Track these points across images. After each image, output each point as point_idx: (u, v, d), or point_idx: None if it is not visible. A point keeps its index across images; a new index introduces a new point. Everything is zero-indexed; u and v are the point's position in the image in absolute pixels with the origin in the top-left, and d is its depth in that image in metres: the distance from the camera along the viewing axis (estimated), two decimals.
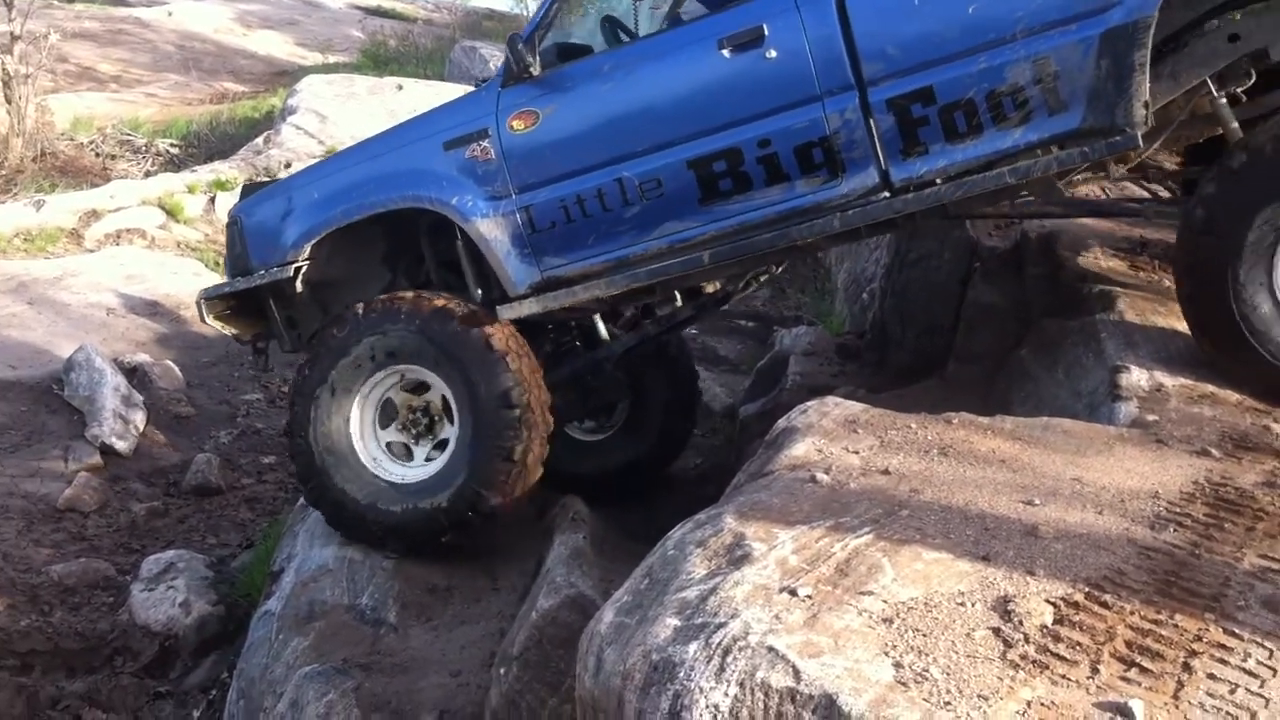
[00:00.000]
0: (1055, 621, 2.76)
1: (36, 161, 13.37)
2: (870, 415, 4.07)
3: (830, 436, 3.88)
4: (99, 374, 8.60)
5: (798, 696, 2.48)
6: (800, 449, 3.80)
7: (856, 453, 3.75)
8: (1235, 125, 4.62)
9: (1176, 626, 2.76)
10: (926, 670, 2.55)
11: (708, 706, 2.54)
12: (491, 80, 5.42)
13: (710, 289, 6.12)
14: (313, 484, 5.64)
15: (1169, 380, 4.43)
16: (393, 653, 5.09)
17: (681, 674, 2.62)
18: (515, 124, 5.20)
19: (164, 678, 6.27)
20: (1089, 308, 5.19)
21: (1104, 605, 2.83)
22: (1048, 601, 2.84)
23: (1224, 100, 4.59)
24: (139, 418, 8.50)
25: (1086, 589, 2.90)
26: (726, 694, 2.54)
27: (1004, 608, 2.80)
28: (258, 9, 23.53)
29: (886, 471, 3.59)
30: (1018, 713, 2.43)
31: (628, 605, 3.05)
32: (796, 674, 2.52)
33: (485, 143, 5.26)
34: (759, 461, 3.96)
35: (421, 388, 5.55)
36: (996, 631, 2.71)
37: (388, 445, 5.65)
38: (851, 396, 5.40)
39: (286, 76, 18.93)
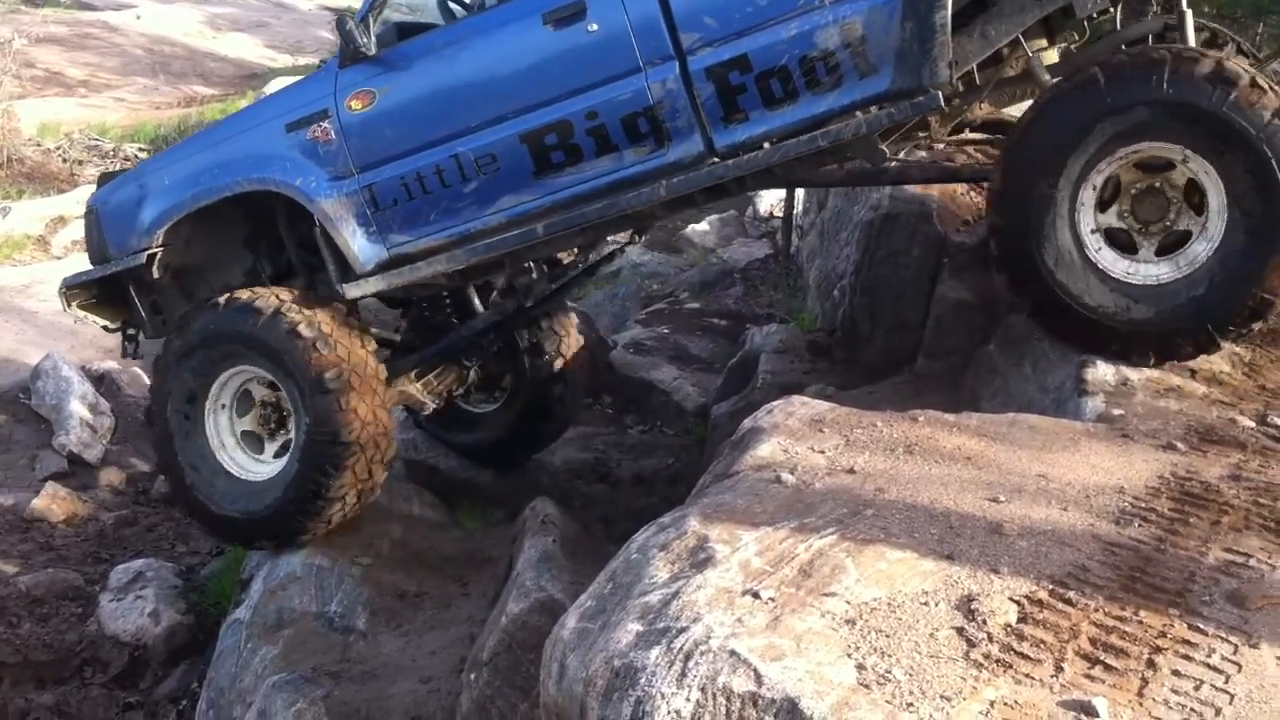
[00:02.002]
0: (1019, 620, 2.75)
1: (3, 168, 13.26)
2: (836, 414, 4.05)
3: (796, 436, 3.86)
4: (66, 382, 8.54)
5: (759, 700, 2.46)
6: (765, 449, 3.78)
7: (822, 452, 3.73)
8: (1048, 79, 4.74)
9: (1141, 623, 2.75)
10: (889, 671, 2.53)
11: (669, 712, 2.51)
12: (331, 60, 5.50)
13: (567, 259, 6.29)
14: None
15: (1135, 374, 4.43)
16: (362, 660, 5.06)
17: (643, 680, 2.59)
18: (353, 104, 5.30)
19: (134, 688, 6.24)
20: None
21: (1068, 603, 2.82)
22: (1011, 600, 2.82)
23: (1038, 56, 4.74)
24: (107, 425, 8.44)
25: (1051, 586, 2.89)
26: (688, 699, 2.52)
27: (968, 607, 2.79)
28: (227, 11, 23.36)
29: (852, 471, 3.58)
30: (981, 713, 2.41)
31: (591, 610, 3.02)
32: (758, 678, 2.50)
33: (325, 123, 5.35)
34: (725, 462, 3.94)
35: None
36: (960, 631, 2.70)
37: (242, 437, 5.81)
38: (822, 394, 5.41)
39: (256, 79, 18.79)
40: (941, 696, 2.45)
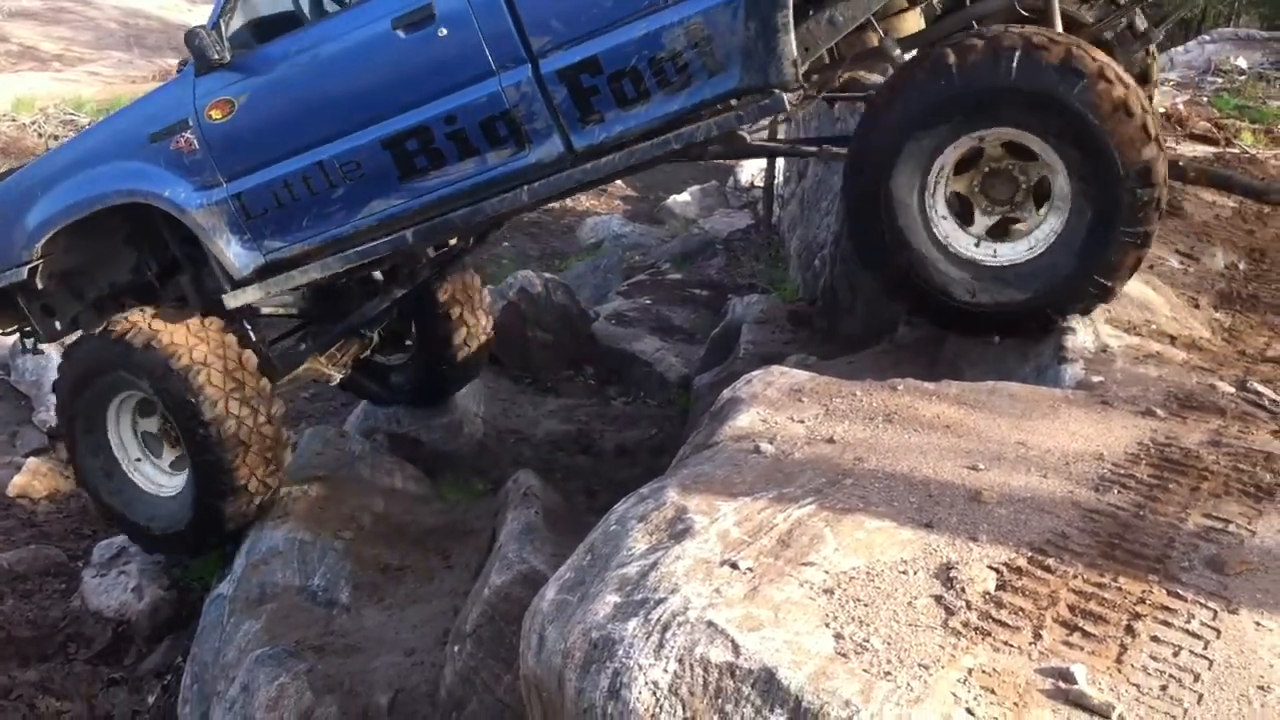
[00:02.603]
0: (998, 587, 2.75)
1: None
2: (815, 384, 4.03)
3: (775, 406, 3.85)
4: (46, 358, 8.48)
5: (737, 671, 2.46)
6: (745, 420, 3.77)
7: (801, 422, 3.72)
8: (900, 56, 4.85)
9: (1120, 589, 2.75)
10: (867, 640, 2.53)
11: (647, 684, 2.51)
12: (190, 65, 5.41)
13: (451, 242, 6.51)
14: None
15: (1115, 341, 4.43)
16: (346, 633, 5.06)
17: (621, 651, 2.59)
18: (213, 113, 5.27)
19: (118, 664, 6.22)
20: None
21: (1047, 570, 2.82)
22: (990, 567, 2.82)
23: (890, 37, 4.83)
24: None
25: (1029, 554, 2.88)
26: (666, 670, 2.51)
27: (946, 575, 2.78)
28: None
29: (831, 440, 3.57)
30: (959, 681, 2.41)
31: (569, 582, 3.01)
32: (736, 648, 2.49)
33: (188, 134, 5.32)
34: (704, 433, 3.93)
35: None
36: (938, 599, 2.69)
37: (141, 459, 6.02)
38: (803, 364, 5.40)
39: None
40: (919, 665, 2.45)
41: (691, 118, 4.78)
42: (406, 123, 5.03)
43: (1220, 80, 11.05)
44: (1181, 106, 8.55)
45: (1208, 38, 13.60)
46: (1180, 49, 13.58)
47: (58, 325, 6.11)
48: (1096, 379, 4.11)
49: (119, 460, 5.95)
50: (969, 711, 2.33)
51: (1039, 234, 4.57)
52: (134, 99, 6.01)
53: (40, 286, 5.83)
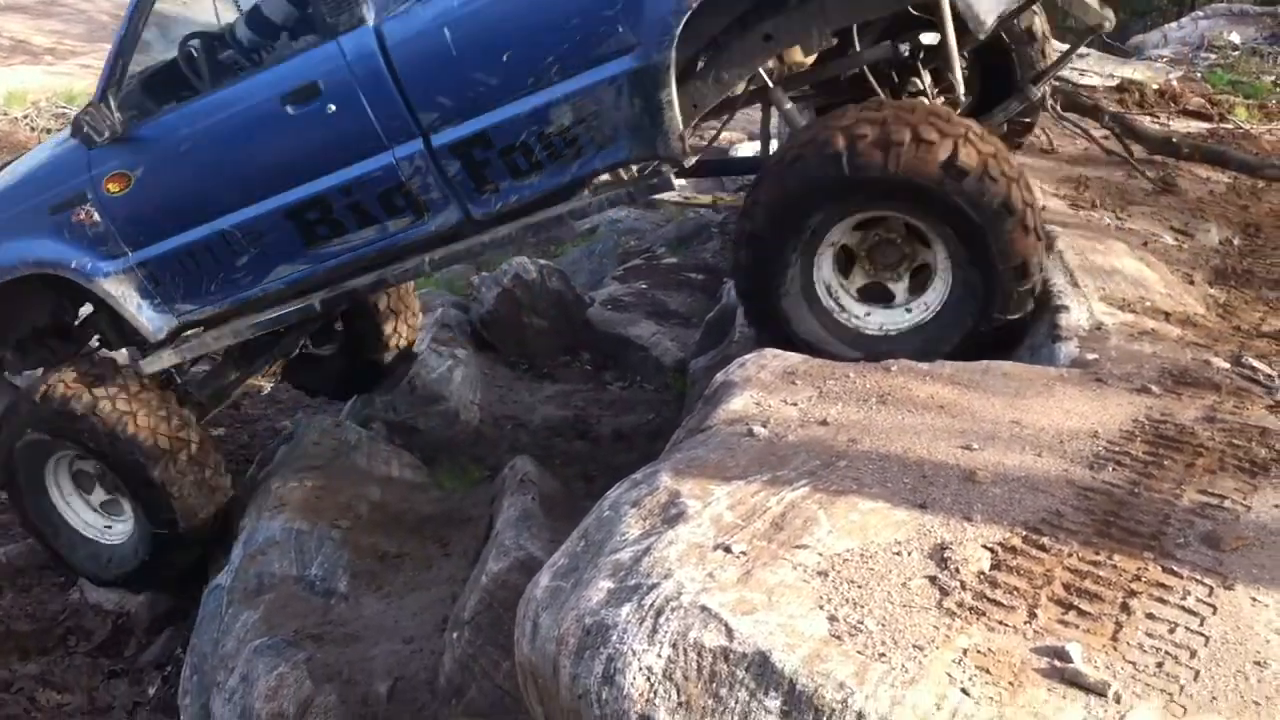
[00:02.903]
0: (992, 567, 2.74)
1: None
2: (809, 366, 4.02)
3: (768, 389, 3.84)
4: None
5: (731, 655, 2.45)
6: (738, 403, 3.76)
7: (795, 404, 3.71)
8: (790, 108, 5.03)
9: (1115, 567, 2.74)
10: (861, 622, 2.52)
11: (641, 669, 2.50)
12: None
13: None
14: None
15: (1109, 318, 4.41)
16: (344, 622, 5.05)
17: (614, 637, 2.58)
18: (110, 186, 5.29)
19: (118, 656, 6.22)
20: None
21: (1041, 548, 2.81)
22: (985, 547, 2.81)
23: (778, 89, 4.98)
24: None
25: (1024, 533, 2.88)
26: (659, 655, 2.50)
27: (940, 555, 2.77)
28: None
29: (824, 422, 3.56)
30: (954, 661, 2.41)
31: (563, 569, 3.01)
32: (729, 632, 2.49)
33: (88, 206, 5.34)
34: (698, 417, 3.92)
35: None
36: (933, 580, 2.69)
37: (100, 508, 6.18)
38: None
39: None
40: (914, 646, 2.44)
41: (585, 182, 4.96)
42: (305, 194, 5.08)
43: (1214, 56, 11.03)
44: (1175, 82, 8.54)
45: (1201, 13, 13.59)
46: (1174, 25, 13.56)
47: None
48: (1091, 356, 4.10)
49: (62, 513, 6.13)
50: (964, 692, 2.32)
51: (918, 305, 4.64)
52: (30, 155, 6.07)
53: None
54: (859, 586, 2.65)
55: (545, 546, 4.61)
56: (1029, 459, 3.27)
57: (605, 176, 5.16)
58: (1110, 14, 5.28)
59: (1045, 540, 2.84)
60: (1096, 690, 2.31)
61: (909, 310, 4.66)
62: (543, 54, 4.65)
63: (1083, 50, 7.85)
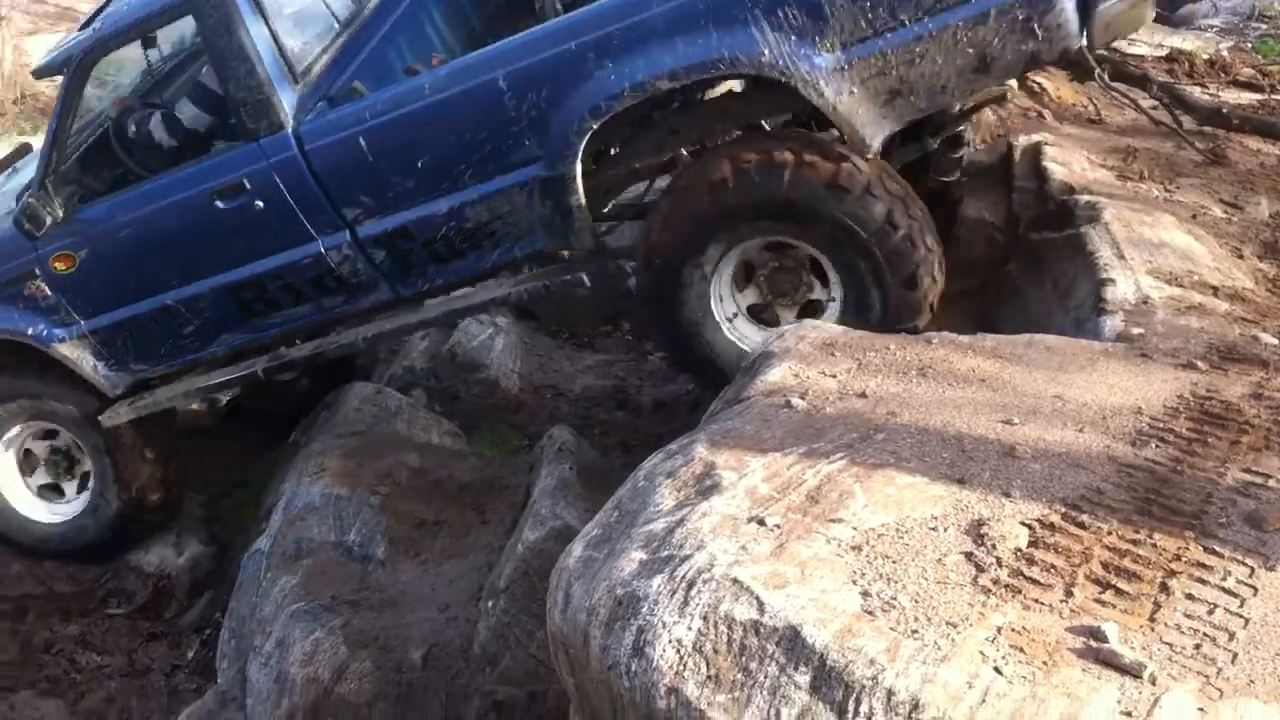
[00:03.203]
0: (1030, 544, 2.70)
1: (17, 104, 13.15)
2: (848, 338, 3.97)
3: (807, 360, 3.80)
4: None
5: (761, 629, 2.43)
6: (776, 374, 3.72)
7: (833, 376, 3.67)
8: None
9: (1155, 546, 2.70)
10: (895, 598, 2.49)
11: (671, 641, 2.49)
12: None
13: None
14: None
15: (1156, 292, 4.35)
16: (381, 588, 5.06)
17: (645, 609, 2.56)
18: (57, 265, 5.62)
19: (158, 618, 6.28)
20: (1076, 220, 5.09)
21: (1081, 526, 2.77)
22: (1023, 524, 2.77)
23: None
24: None
25: (1063, 510, 2.83)
26: (690, 628, 2.49)
27: (977, 531, 2.73)
28: None
29: (863, 395, 3.51)
30: (987, 639, 2.37)
31: (596, 539, 2.99)
32: (761, 606, 2.47)
33: (38, 282, 5.68)
34: (735, 388, 3.89)
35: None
36: (969, 556, 2.65)
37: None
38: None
39: None
40: (947, 623, 2.41)
41: (509, 268, 5.24)
42: (239, 277, 5.38)
43: (1265, 25, 10.80)
44: (1225, 52, 8.37)
45: None
46: None
47: None
48: (1136, 331, 4.03)
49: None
50: (997, 670, 2.29)
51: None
52: None
53: None
54: (893, 562, 2.62)
55: (581, 516, 4.59)
56: (1070, 435, 3.22)
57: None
58: (1013, 85, 5.39)
59: (1085, 518, 2.80)
60: (1132, 671, 2.28)
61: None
62: (456, 161, 4.92)
63: None
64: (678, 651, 2.48)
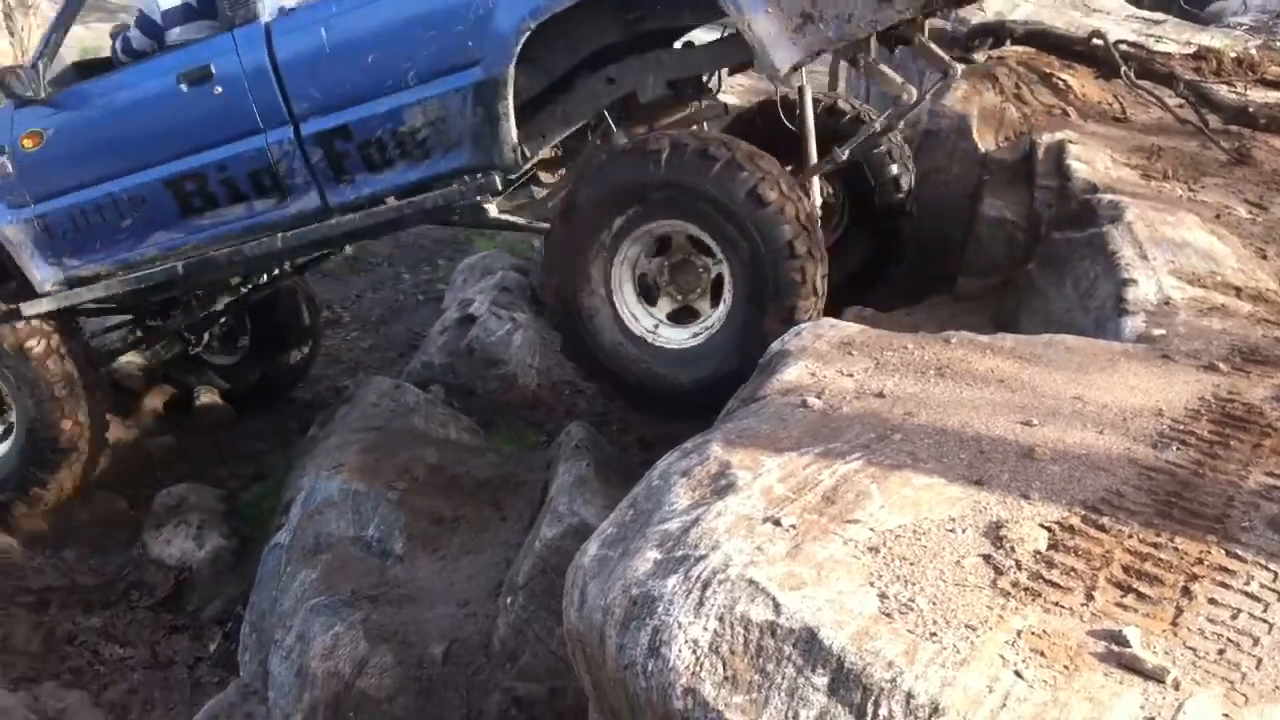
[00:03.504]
0: (1049, 547, 2.68)
1: None
2: (866, 336, 3.96)
3: (824, 359, 3.78)
4: None
5: (778, 630, 2.42)
6: (792, 373, 3.71)
7: (850, 375, 3.66)
8: (621, 137, 5.28)
9: (1177, 550, 2.68)
10: (912, 600, 2.48)
11: (686, 642, 2.48)
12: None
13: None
14: None
15: (1178, 292, 4.31)
16: (400, 584, 5.07)
17: (660, 608, 2.56)
18: (26, 142, 5.90)
19: (179, 611, 6.30)
20: (1098, 219, 5.06)
21: (1101, 529, 2.75)
22: (1042, 526, 2.75)
23: (620, 129, 5.29)
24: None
25: (1083, 512, 2.81)
26: (705, 628, 2.48)
27: (996, 533, 2.72)
28: None
29: (881, 394, 3.50)
30: (1007, 642, 2.36)
31: (611, 538, 2.99)
32: (777, 607, 2.45)
33: (4, 158, 5.97)
34: (751, 387, 3.88)
35: None
36: (987, 558, 2.63)
37: None
38: (859, 315, 5.32)
39: None
40: (966, 626, 2.40)
41: (431, 186, 5.42)
42: (185, 166, 5.64)
43: None
44: (1254, 51, 8.30)
45: None
46: None
47: None
48: (1158, 332, 4.01)
49: None
50: (1017, 674, 2.28)
51: (711, 320, 5.04)
52: None
53: None
54: (911, 563, 2.61)
55: (599, 513, 4.58)
56: (1090, 436, 3.20)
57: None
58: (911, 90, 5.42)
59: (1105, 520, 2.78)
60: (1155, 676, 2.26)
61: (696, 331, 5.09)
62: (401, 60, 5.17)
63: (1159, 17, 7.69)
64: (694, 652, 2.47)
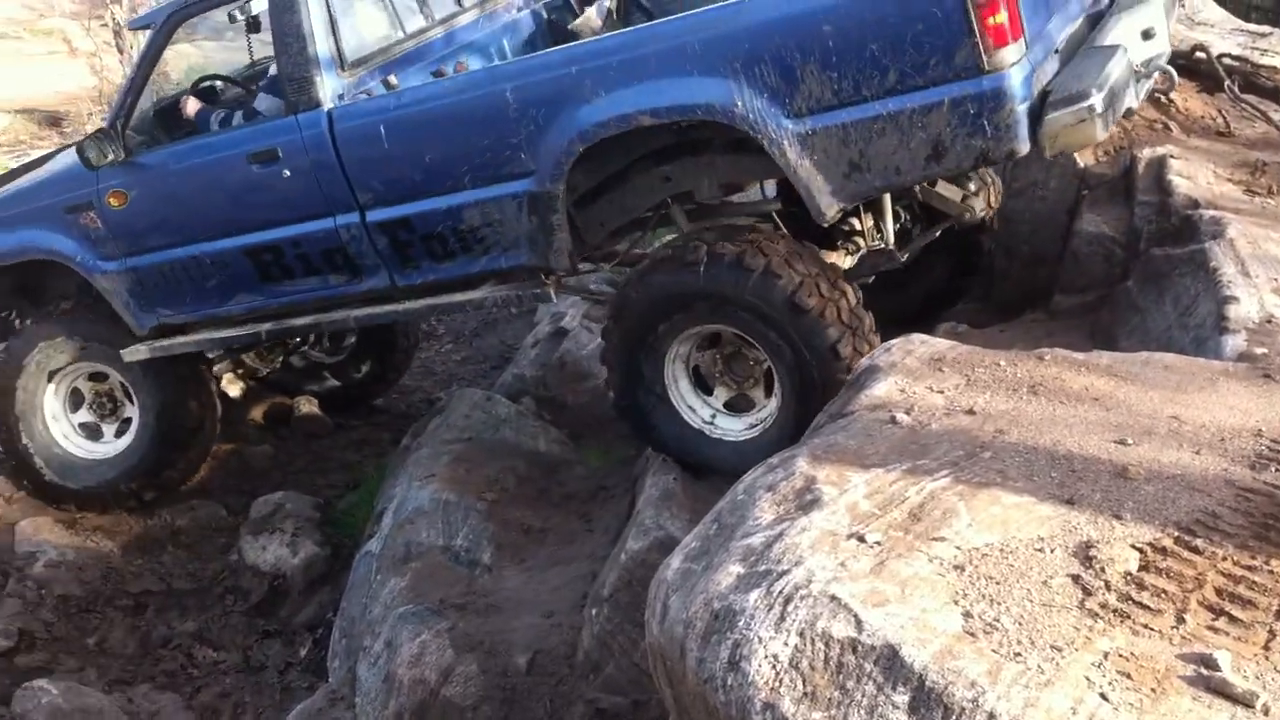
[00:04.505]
0: (1140, 568, 2.62)
1: None
2: (957, 352, 3.91)
3: (914, 375, 3.74)
4: None
5: (859, 647, 2.40)
6: (881, 388, 3.67)
7: (941, 392, 3.61)
8: (684, 224, 5.40)
9: (1272, 573, 2.60)
10: (997, 620, 2.44)
11: (767, 657, 2.46)
12: None
13: None
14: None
15: None
16: (487, 593, 5.11)
17: (741, 623, 2.55)
18: (112, 200, 6.09)
19: (273, 616, 6.42)
20: (1199, 236, 4.96)
21: (1194, 550, 2.68)
22: (1133, 547, 2.70)
23: (679, 209, 5.37)
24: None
25: (1176, 533, 2.75)
26: (786, 644, 2.46)
27: (1085, 554, 2.67)
28: None
29: (971, 411, 3.45)
30: (1094, 664, 2.31)
31: (695, 551, 2.98)
32: (859, 624, 2.43)
33: (92, 213, 6.18)
34: (840, 401, 3.85)
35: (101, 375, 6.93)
36: (1076, 579, 2.58)
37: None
38: (953, 331, 5.27)
39: None
40: (1052, 647, 2.36)
41: (492, 277, 5.58)
42: (262, 239, 5.81)
43: None
44: None
45: None
46: None
47: (18, 325, 7.11)
48: (1260, 350, 3.91)
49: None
50: (1103, 696, 2.23)
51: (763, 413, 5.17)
52: (63, 155, 7.00)
53: None
54: (997, 583, 2.57)
55: (685, 527, 4.58)
56: (1186, 456, 3.13)
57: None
58: (974, 207, 5.60)
59: (1199, 542, 2.71)
60: (1244, 701, 2.20)
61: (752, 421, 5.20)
62: (460, 163, 5.25)
63: (1265, 29, 7.52)
64: (773, 667, 2.45)
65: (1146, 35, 4.90)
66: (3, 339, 7.10)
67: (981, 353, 3.91)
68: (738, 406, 5.24)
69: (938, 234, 5.76)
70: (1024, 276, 6.13)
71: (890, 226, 5.33)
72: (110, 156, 5.88)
